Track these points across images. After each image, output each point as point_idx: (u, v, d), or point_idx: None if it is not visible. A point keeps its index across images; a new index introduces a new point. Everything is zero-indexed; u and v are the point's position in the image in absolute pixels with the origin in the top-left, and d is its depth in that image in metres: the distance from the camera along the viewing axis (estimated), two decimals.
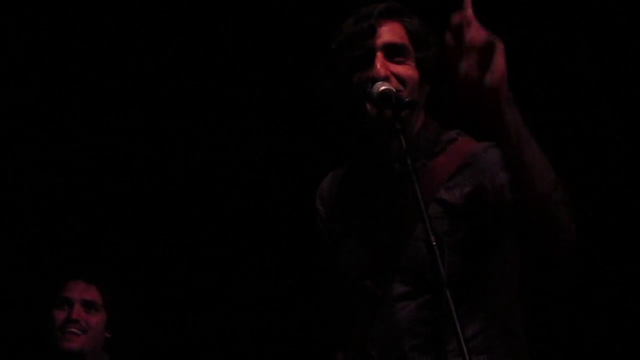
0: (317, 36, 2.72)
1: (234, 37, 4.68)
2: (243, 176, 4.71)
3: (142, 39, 4.72)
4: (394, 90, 2.48)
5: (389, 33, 2.57)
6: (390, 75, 2.53)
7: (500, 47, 2.11)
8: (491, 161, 2.50)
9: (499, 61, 2.12)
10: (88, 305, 4.00)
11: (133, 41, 4.72)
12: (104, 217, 4.77)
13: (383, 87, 2.47)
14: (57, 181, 4.76)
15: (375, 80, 2.50)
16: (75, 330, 3.95)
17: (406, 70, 2.55)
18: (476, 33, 2.11)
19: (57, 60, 4.73)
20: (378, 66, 2.52)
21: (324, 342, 2.97)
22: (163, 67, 4.73)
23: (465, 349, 2.15)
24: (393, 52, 2.56)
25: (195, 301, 4.70)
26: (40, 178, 4.76)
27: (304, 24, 4.41)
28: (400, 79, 2.54)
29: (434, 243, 2.25)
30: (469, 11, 2.12)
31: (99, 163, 4.79)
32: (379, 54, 2.54)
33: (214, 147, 4.75)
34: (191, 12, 4.69)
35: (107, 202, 4.78)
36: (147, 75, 4.74)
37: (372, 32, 2.55)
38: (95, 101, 4.78)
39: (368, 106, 2.52)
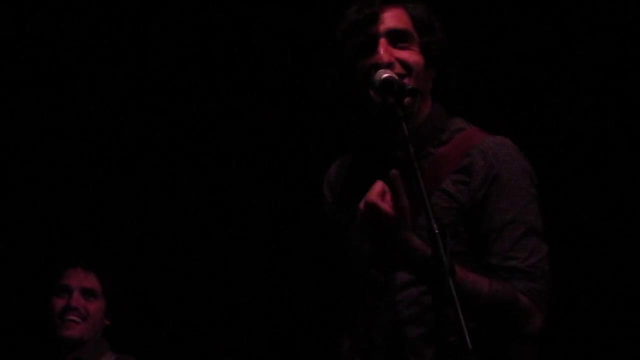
0: (316, 27, 2.72)
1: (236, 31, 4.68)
2: (243, 164, 4.70)
3: (138, 35, 4.72)
4: (397, 77, 2.47)
5: (392, 19, 2.56)
6: (394, 61, 2.52)
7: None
8: (497, 158, 2.52)
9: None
10: (87, 293, 4.00)
11: (130, 36, 4.72)
12: (102, 204, 4.76)
13: (385, 75, 2.46)
14: (54, 170, 4.75)
15: (378, 66, 2.49)
16: (74, 318, 3.95)
17: (410, 55, 2.54)
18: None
19: (57, 58, 4.73)
20: (381, 52, 2.51)
21: (331, 327, 2.97)
22: (165, 63, 4.73)
23: (467, 336, 2.15)
24: (396, 37, 2.55)
25: (195, 288, 4.69)
26: (38, 167, 4.75)
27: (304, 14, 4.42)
28: (404, 64, 2.53)
29: (437, 230, 2.25)
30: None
31: (97, 152, 4.78)
32: (382, 40, 2.53)
33: (214, 137, 4.74)
34: (190, 10, 4.68)
35: (106, 190, 4.77)
36: (151, 70, 4.74)
37: (375, 19, 2.54)
38: (92, 92, 4.77)
39: (371, 93, 2.51)
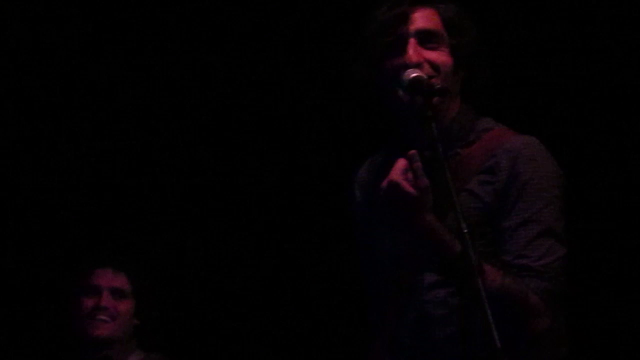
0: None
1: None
2: (269, 164, 4.70)
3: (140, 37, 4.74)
4: (425, 77, 2.48)
5: (422, 19, 2.56)
6: (423, 62, 2.52)
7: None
8: (520, 158, 2.52)
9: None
10: (116, 293, 4.02)
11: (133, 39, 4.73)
12: (131, 204, 4.78)
13: (414, 74, 2.47)
14: (84, 169, 4.77)
15: (407, 66, 2.50)
16: (104, 317, 3.97)
17: (439, 56, 2.54)
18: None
19: (62, 58, 4.74)
20: (410, 52, 2.51)
21: (360, 329, 2.97)
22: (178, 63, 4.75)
23: (496, 336, 2.15)
24: (426, 38, 2.55)
25: (224, 288, 4.70)
26: (67, 167, 4.77)
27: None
28: (433, 65, 2.53)
29: (465, 230, 2.25)
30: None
31: (126, 152, 4.79)
32: (412, 40, 2.53)
33: (238, 140, 4.75)
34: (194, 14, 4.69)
35: (135, 189, 4.78)
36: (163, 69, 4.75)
37: (405, 18, 2.55)
38: (119, 92, 4.79)
39: (400, 93, 2.51)
